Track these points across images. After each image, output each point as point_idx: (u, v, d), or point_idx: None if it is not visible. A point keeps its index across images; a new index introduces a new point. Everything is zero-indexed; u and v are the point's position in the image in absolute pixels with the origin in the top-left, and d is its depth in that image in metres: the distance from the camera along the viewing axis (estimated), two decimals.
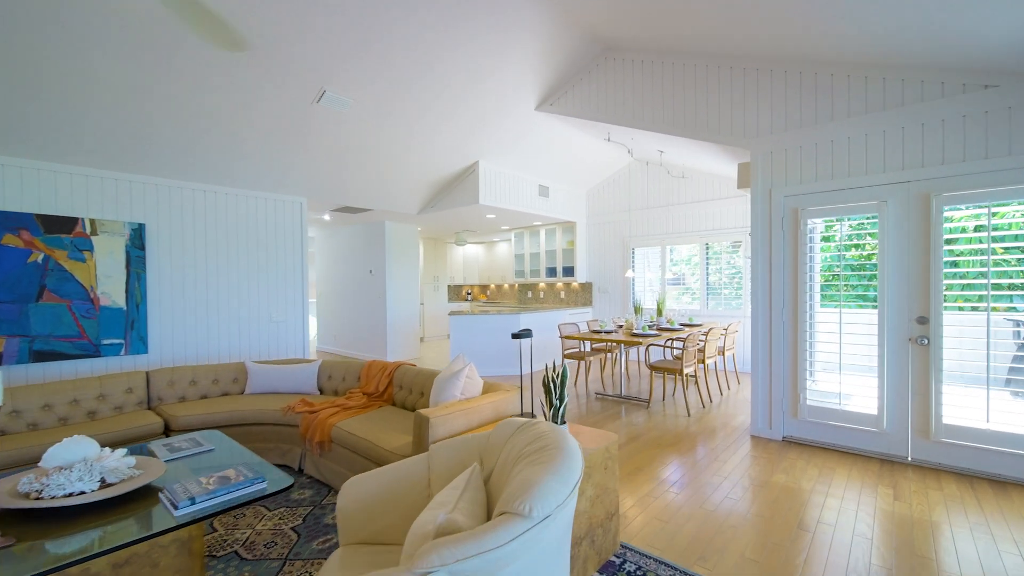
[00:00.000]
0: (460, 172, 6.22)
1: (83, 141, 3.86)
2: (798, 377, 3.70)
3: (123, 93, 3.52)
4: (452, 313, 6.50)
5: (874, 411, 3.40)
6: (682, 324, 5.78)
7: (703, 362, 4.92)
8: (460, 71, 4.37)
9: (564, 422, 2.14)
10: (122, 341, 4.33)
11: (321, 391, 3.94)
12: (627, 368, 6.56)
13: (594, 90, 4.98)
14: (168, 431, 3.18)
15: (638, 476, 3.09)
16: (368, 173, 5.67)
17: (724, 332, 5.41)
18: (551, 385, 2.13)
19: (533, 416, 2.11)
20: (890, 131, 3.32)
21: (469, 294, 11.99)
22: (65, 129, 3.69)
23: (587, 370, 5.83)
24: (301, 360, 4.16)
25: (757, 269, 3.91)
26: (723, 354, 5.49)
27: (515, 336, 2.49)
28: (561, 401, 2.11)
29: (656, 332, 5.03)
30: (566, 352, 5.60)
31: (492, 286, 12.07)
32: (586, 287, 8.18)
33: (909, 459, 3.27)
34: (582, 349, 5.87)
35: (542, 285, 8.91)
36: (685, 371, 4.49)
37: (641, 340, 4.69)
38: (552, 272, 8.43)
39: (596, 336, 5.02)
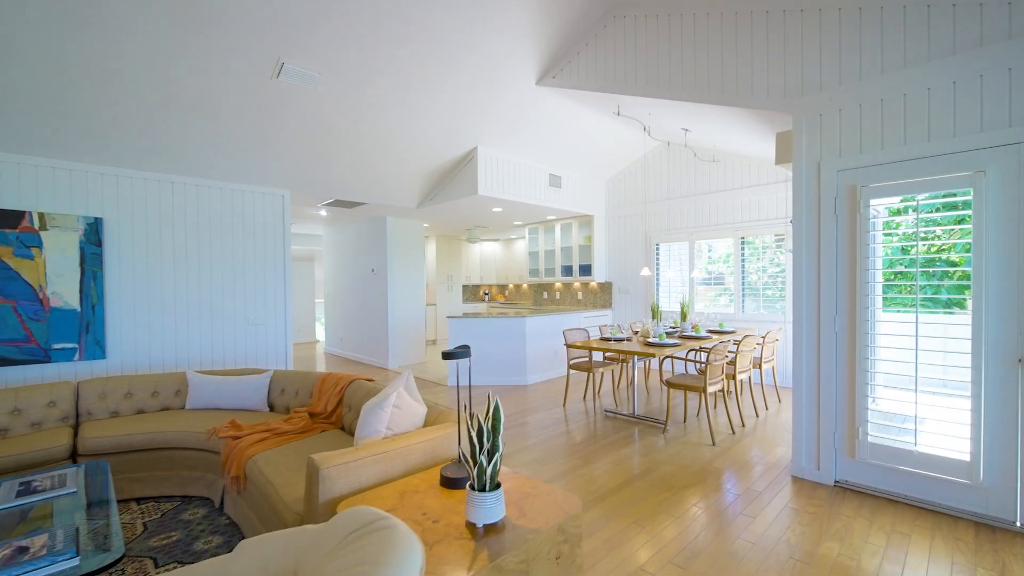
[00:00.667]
0: (458, 160, 5.61)
1: (30, 128, 3.51)
2: (856, 405, 2.85)
3: (74, 74, 3.12)
4: (451, 316, 5.91)
5: (965, 455, 2.52)
6: (710, 331, 4.94)
7: (733, 377, 4.09)
8: (444, 41, 3.75)
9: (498, 485, 1.46)
10: (76, 345, 3.97)
11: (272, 407, 3.42)
12: (647, 381, 5.75)
13: (601, 58, 4.24)
14: (75, 456, 2.72)
15: (635, 537, 2.36)
16: (354, 162, 5.15)
17: (762, 341, 4.53)
18: (479, 434, 1.46)
19: (471, 461, 1.45)
20: (990, 75, 2.44)
21: (487, 294, 11.41)
22: (8, 114, 3.33)
23: (598, 384, 5.09)
24: (251, 371, 3.66)
25: (801, 264, 3.08)
26: (760, 367, 4.61)
27: (446, 356, 1.83)
28: (491, 457, 1.44)
29: (676, 341, 4.24)
30: (572, 362, 4.88)
31: (510, 286, 11.43)
32: (605, 287, 7.40)
33: (1019, 524, 2.38)
34: (593, 359, 5.13)
35: (558, 285, 8.19)
36: (709, 389, 3.69)
37: (654, 351, 3.92)
38: (568, 271, 7.70)
39: (603, 346, 4.28)
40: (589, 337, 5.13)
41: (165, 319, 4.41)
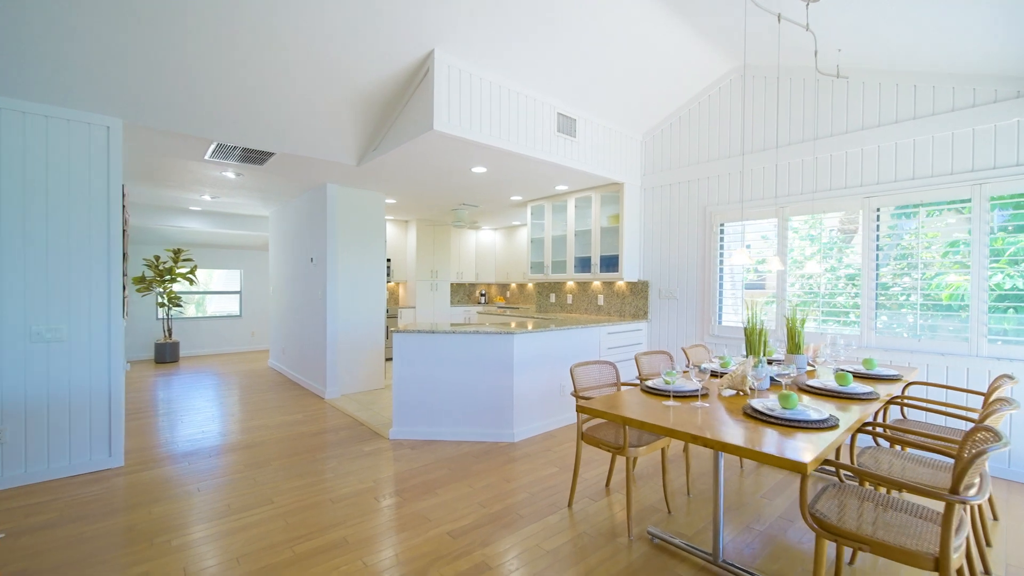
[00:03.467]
0: (405, 77, 3.44)
1: None
2: None
3: None
4: (396, 330, 3.74)
5: None
6: (868, 375, 2.64)
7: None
8: None
9: None
10: None
11: None
12: (740, 466, 3.49)
13: None
14: None
15: None
16: (238, 80, 3.04)
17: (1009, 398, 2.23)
18: None
19: None
20: None
21: (483, 295, 9.23)
22: None
23: (630, 468, 2.87)
24: None
25: None
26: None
27: None
28: None
29: (822, 415, 1.95)
30: (587, 427, 2.65)
31: (512, 286, 9.23)
32: (638, 290, 5.14)
33: None
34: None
35: (570, 285, 5.95)
36: (970, 501, 1.42)
37: (779, 427, 1.67)
38: (584, 265, 5.46)
39: (652, 416, 2.03)
40: (618, 378, 2.89)
41: None
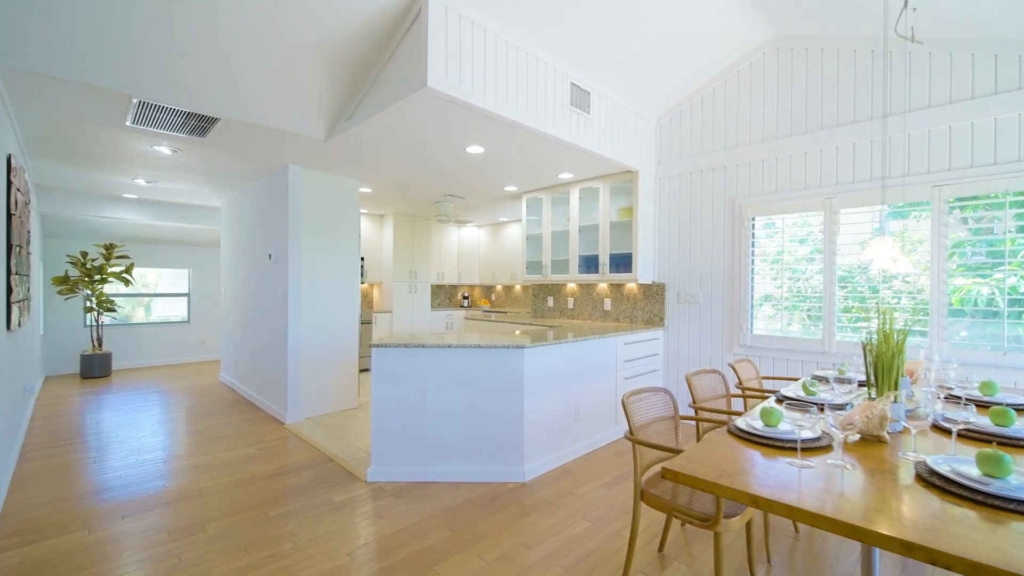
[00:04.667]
0: (389, 22, 2.70)
1: None
2: None
3: None
4: (376, 344, 2.97)
5: None
6: (975, 402, 2.07)
7: None
8: None
9: None
10: None
11: None
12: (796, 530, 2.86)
13: None
14: None
15: None
16: (163, 15, 2.22)
17: None
18: None
19: None
20: None
21: (466, 297, 8.48)
22: None
23: (720, 550, 2.20)
24: None
25: None
26: None
27: None
28: None
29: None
30: (647, 483, 1.98)
31: (498, 288, 8.52)
32: (653, 293, 4.53)
33: None
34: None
35: (571, 287, 5.29)
36: None
37: None
38: (590, 265, 4.82)
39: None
40: (676, 408, 2.23)
41: None
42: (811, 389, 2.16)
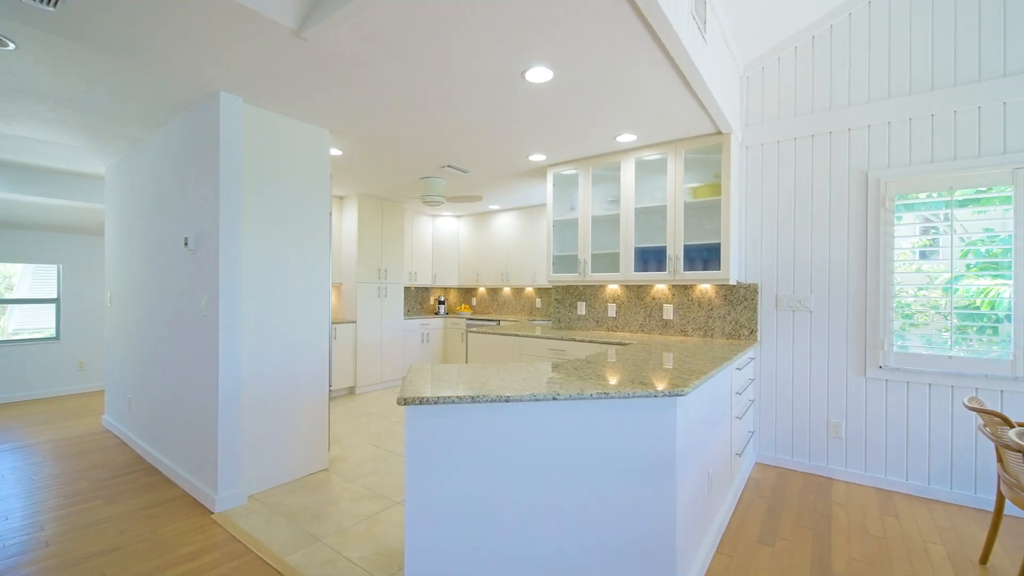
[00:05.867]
0: None
1: None
2: None
3: None
4: (409, 400, 1.57)
5: None
6: None
7: None
8: None
9: None
10: None
11: None
12: None
13: None
14: None
15: None
16: None
17: None
18: None
19: None
20: None
21: (442, 303, 7.02)
22: None
23: None
24: None
25: None
26: None
27: None
28: None
29: None
30: None
31: (481, 290, 7.16)
32: (739, 296, 3.44)
33: None
34: None
35: (611, 291, 4.08)
36: None
37: None
38: (653, 259, 3.64)
39: None
40: None
41: None
42: None
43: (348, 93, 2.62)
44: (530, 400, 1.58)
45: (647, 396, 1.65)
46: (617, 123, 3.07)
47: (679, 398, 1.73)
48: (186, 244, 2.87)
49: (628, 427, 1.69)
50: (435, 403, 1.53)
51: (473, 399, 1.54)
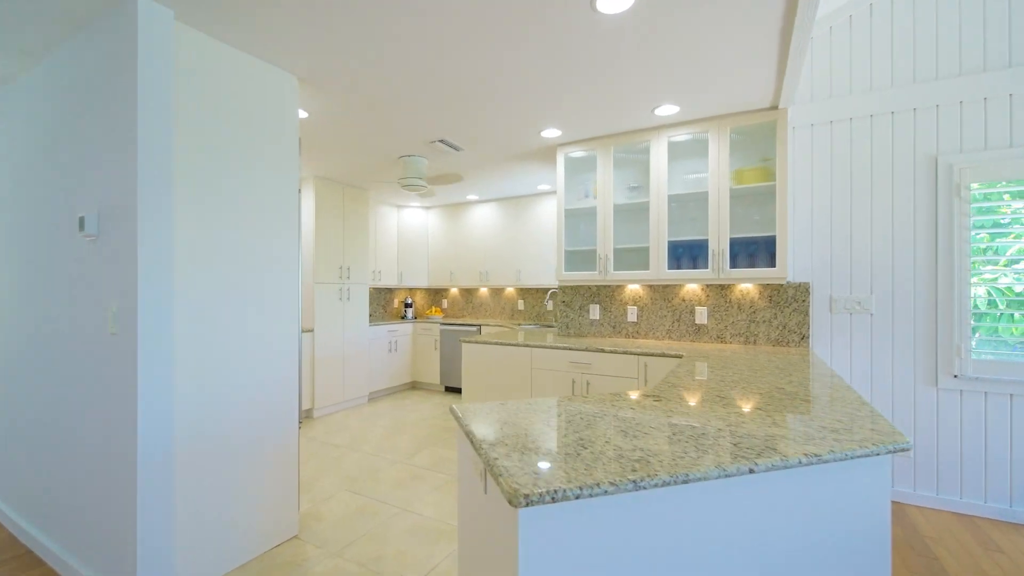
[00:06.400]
0: None
1: None
2: None
3: None
4: (526, 503, 0.91)
5: None
6: None
7: None
8: None
9: None
10: None
11: None
12: None
13: None
14: None
15: None
16: None
17: None
18: None
19: None
20: None
21: (409, 306, 6.20)
22: None
23: None
24: None
25: None
26: None
27: None
28: None
29: None
30: None
31: (453, 291, 6.43)
32: (787, 296, 3.02)
33: None
34: None
35: (631, 291, 3.54)
36: None
37: None
38: (690, 254, 3.15)
39: None
40: None
41: None
42: None
43: (329, 19, 1.86)
44: (718, 477, 0.95)
45: (866, 455, 1.08)
46: (666, 88, 2.53)
47: (881, 458, 1.18)
48: (82, 227, 1.95)
49: (831, 499, 1.12)
50: (576, 497, 0.86)
51: (636, 484, 0.89)
